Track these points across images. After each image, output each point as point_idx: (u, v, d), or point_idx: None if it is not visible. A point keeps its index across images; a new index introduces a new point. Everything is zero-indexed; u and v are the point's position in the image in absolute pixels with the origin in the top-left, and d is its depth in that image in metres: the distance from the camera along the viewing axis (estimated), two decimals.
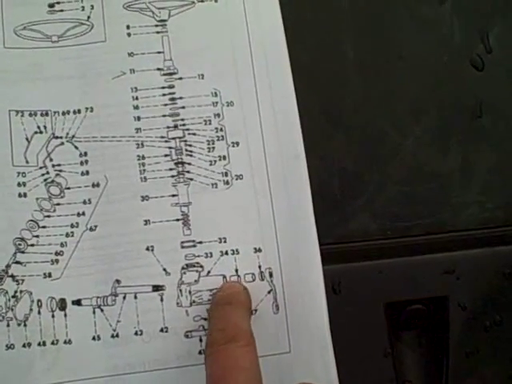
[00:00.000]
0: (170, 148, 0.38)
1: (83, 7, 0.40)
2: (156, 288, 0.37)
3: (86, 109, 0.38)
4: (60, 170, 0.38)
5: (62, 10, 0.40)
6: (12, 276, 0.36)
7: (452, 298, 0.40)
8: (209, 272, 0.37)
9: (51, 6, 0.40)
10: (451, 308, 0.40)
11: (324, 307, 0.37)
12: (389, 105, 0.42)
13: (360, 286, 0.40)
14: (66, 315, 0.36)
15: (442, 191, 0.42)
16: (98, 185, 0.38)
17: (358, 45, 0.43)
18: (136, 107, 0.39)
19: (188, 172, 0.38)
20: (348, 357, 0.37)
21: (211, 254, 0.37)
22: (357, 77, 0.42)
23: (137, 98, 0.39)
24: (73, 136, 0.38)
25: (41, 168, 0.38)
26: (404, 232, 0.41)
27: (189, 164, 0.38)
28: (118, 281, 0.37)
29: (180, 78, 0.39)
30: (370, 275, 0.40)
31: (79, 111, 0.38)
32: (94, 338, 0.36)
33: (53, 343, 0.36)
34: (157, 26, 0.40)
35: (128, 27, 0.40)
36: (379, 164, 0.42)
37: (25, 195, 0.37)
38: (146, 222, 0.37)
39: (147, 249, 0.37)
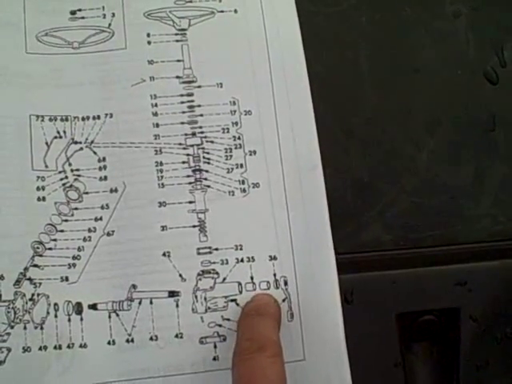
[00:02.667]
0: (188, 155, 0.39)
1: (104, 15, 0.40)
2: (172, 294, 0.37)
3: (106, 115, 0.39)
4: (79, 175, 0.38)
5: (83, 18, 0.40)
6: (30, 279, 0.37)
7: (463, 310, 0.40)
8: (224, 279, 0.37)
9: (73, 13, 0.40)
10: (462, 320, 0.40)
11: (339, 316, 0.37)
12: (403, 117, 0.43)
13: (372, 295, 0.40)
14: (81, 319, 0.37)
15: (454, 203, 0.42)
16: (116, 190, 0.38)
17: (373, 58, 0.43)
18: (155, 114, 0.39)
19: (205, 179, 0.38)
20: (359, 366, 0.37)
21: (227, 260, 0.38)
22: (372, 90, 0.43)
23: (156, 105, 0.39)
24: (92, 141, 0.39)
25: (60, 172, 0.38)
26: (417, 243, 0.41)
27: (206, 171, 0.39)
28: (134, 286, 0.37)
29: (199, 87, 0.39)
30: (382, 285, 0.40)
31: (99, 117, 0.39)
32: (109, 343, 0.37)
33: (68, 347, 0.36)
34: (177, 34, 0.40)
35: (148, 35, 0.40)
36: (393, 176, 0.42)
37: (43, 199, 0.38)
38: (163, 227, 0.38)
39: (164, 254, 0.37)
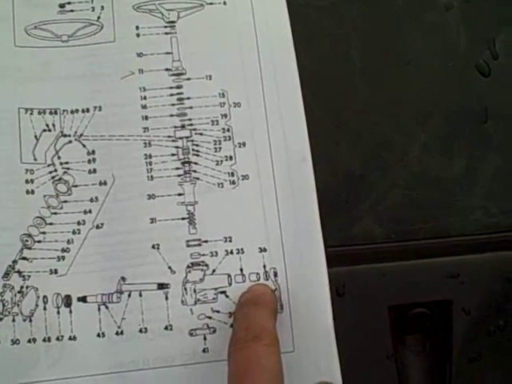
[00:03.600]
0: (177, 147, 0.39)
1: (93, 8, 0.40)
2: (161, 286, 0.37)
3: (95, 108, 0.39)
4: (68, 168, 0.38)
5: (72, 11, 0.40)
6: (18, 272, 0.37)
7: (456, 303, 0.40)
8: (214, 271, 0.38)
9: (62, 6, 0.40)
10: (455, 312, 0.40)
11: (328, 307, 0.37)
12: (395, 110, 0.43)
13: (364, 288, 0.40)
14: (71, 312, 0.37)
15: (446, 196, 0.42)
16: (105, 183, 0.38)
17: (364, 50, 0.43)
18: (144, 107, 0.39)
19: (194, 171, 0.38)
20: (351, 359, 0.37)
21: (216, 253, 0.38)
22: (363, 82, 0.43)
23: (145, 98, 0.39)
24: (81, 134, 0.39)
25: (49, 165, 0.38)
26: (408, 236, 0.41)
27: (195, 163, 0.39)
28: (123, 278, 0.37)
29: (188, 79, 0.39)
30: (374, 278, 0.40)
31: (88, 110, 0.39)
32: (98, 335, 0.37)
33: (58, 339, 0.36)
34: (166, 27, 0.40)
35: (137, 28, 0.40)
36: (385, 168, 0.42)
37: (32, 192, 0.38)
38: (152, 220, 0.38)
39: (153, 247, 0.37)
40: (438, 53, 0.44)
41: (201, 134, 0.39)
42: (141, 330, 0.37)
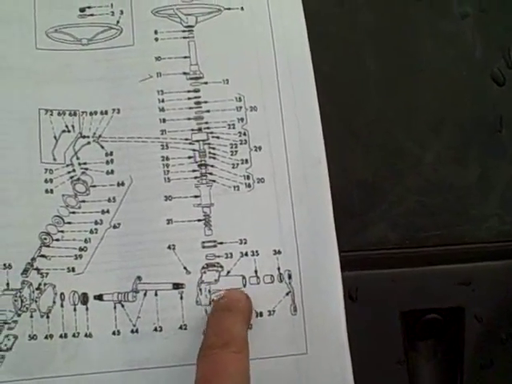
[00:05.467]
0: (194, 150, 0.39)
1: (113, 12, 0.41)
2: (176, 286, 0.37)
3: (113, 110, 0.39)
4: (86, 169, 0.39)
5: (92, 15, 0.41)
6: (37, 269, 0.37)
7: (468, 310, 0.40)
8: (228, 272, 0.38)
9: (82, 10, 0.41)
10: (467, 319, 0.40)
11: (341, 310, 0.37)
12: (409, 117, 0.43)
13: (377, 293, 0.40)
14: (87, 309, 0.37)
15: (460, 203, 0.42)
16: (122, 184, 0.39)
17: (379, 58, 0.43)
18: (162, 109, 0.39)
19: (211, 174, 0.39)
20: (363, 363, 0.37)
21: (231, 254, 0.38)
22: (378, 89, 0.43)
23: (163, 101, 0.40)
24: (99, 136, 0.39)
25: (67, 166, 0.39)
26: (422, 242, 0.41)
27: (212, 166, 0.39)
28: (139, 277, 0.37)
29: (205, 83, 0.40)
30: (387, 283, 0.40)
31: (106, 112, 0.39)
32: (114, 333, 0.37)
33: (74, 336, 0.37)
34: (184, 31, 0.41)
35: (156, 32, 0.41)
36: (398, 175, 0.42)
37: (51, 191, 0.38)
38: (169, 221, 0.38)
39: (169, 247, 0.38)
40: (453, 61, 0.44)
41: (217, 138, 0.39)
42: (156, 329, 0.37)
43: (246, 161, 0.39)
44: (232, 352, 0.33)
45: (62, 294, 0.37)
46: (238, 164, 0.39)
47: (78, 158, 0.39)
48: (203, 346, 0.34)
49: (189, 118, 0.39)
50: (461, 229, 0.42)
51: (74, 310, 0.37)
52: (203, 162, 0.39)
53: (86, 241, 0.38)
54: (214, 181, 0.39)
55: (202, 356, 0.34)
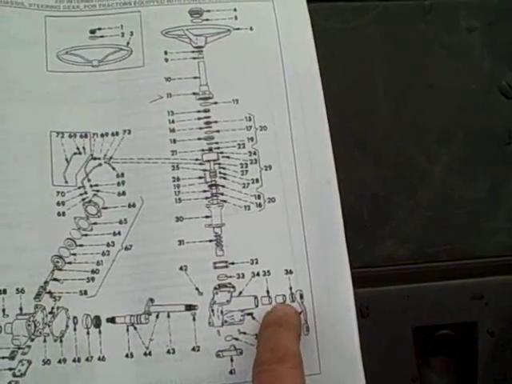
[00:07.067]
0: (205, 170, 0.39)
1: (123, 33, 0.41)
2: (189, 307, 0.37)
3: (124, 131, 0.40)
4: (97, 190, 0.39)
5: (102, 36, 0.41)
6: (50, 292, 0.37)
7: (480, 324, 0.40)
8: (240, 292, 0.38)
9: (92, 32, 0.41)
10: (480, 334, 0.40)
11: (355, 329, 0.37)
12: (418, 131, 0.43)
13: (388, 310, 0.40)
14: (100, 332, 0.37)
15: (470, 217, 0.42)
16: (134, 205, 0.39)
17: (387, 73, 0.44)
18: (172, 130, 0.40)
19: (222, 194, 0.39)
20: (376, 380, 0.37)
21: (243, 274, 0.38)
22: (387, 104, 0.43)
23: (173, 122, 0.40)
24: (110, 157, 0.39)
25: (79, 188, 0.39)
26: (432, 257, 0.41)
27: (222, 186, 0.39)
28: (151, 299, 0.38)
29: (215, 103, 0.40)
30: (398, 299, 0.40)
31: (117, 133, 0.40)
32: (127, 356, 0.37)
33: (87, 360, 0.37)
34: (193, 52, 0.41)
35: (166, 53, 0.41)
36: (408, 190, 0.42)
37: (63, 214, 0.38)
38: (180, 242, 0.38)
39: (181, 268, 0.38)
40: (461, 75, 0.44)
41: (228, 157, 0.39)
42: (168, 351, 0.37)
43: (257, 180, 0.39)
44: (289, 367, 0.33)
45: (74, 317, 0.37)
46: (248, 184, 0.39)
47: (89, 180, 0.39)
48: (258, 362, 0.34)
49: (199, 138, 0.40)
50: (471, 243, 0.42)
51: (87, 333, 0.37)
52: (214, 182, 0.39)
53: (98, 263, 0.38)
54: (224, 201, 0.39)
55: (259, 372, 0.34)
